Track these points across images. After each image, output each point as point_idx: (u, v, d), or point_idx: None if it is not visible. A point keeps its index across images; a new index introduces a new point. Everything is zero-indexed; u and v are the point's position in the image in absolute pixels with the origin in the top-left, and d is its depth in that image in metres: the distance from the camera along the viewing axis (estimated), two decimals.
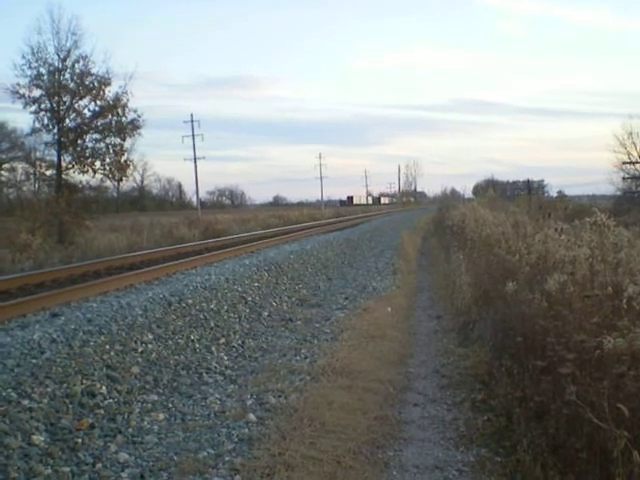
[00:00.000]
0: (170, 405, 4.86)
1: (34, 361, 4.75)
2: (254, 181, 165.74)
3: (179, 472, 3.63)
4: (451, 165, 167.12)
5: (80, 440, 3.95)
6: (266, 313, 8.33)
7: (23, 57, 20.13)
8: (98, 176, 21.32)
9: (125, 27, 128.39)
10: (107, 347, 5.38)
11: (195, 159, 44.13)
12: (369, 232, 23.22)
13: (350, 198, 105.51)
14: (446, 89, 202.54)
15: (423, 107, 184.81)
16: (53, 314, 6.42)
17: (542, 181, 58.84)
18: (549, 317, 4.45)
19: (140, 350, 5.65)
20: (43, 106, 20.24)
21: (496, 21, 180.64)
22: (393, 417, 4.81)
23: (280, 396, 4.94)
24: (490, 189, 29.14)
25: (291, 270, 11.30)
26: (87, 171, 20.75)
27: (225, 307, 7.83)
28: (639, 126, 38.25)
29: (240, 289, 8.81)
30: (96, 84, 20.85)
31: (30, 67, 20.15)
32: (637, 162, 37.93)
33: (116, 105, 21.03)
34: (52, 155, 21.54)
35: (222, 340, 6.75)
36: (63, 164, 20.75)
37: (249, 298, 8.61)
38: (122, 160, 21.37)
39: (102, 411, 4.43)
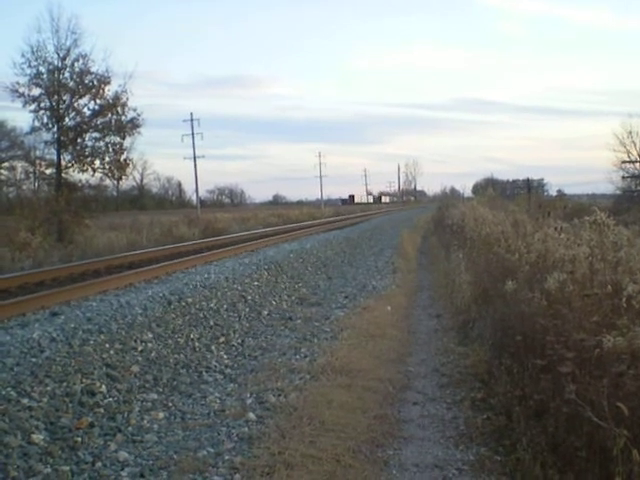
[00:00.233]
0: (170, 404, 4.85)
1: (34, 360, 4.75)
2: (254, 180, 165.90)
3: (179, 471, 3.63)
4: (451, 164, 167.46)
5: (80, 439, 3.95)
6: (266, 312, 8.33)
7: (23, 56, 20.13)
8: (98, 175, 21.33)
9: (125, 26, 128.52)
10: (107, 346, 5.38)
11: (195, 158, 44.25)
12: (369, 231, 23.22)
13: (352, 197, 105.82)
14: (446, 88, 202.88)
15: (423, 106, 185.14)
16: (53, 313, 6.42)
17: (542, 180, 58.84)
18: (549, 316, 4.46)
19: (140, 349, 5.65)
20: (43, 105, 20.22)
21: (496, 21, 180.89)
22: (393, 416, 4.81)
23: (280, 395, 4.94)
24: (490, 188, 29.09)
25: (291, 269, 11.30)
26: (87, 170, 20.74)
27: (225, 306, 7.83)
28: (639, 125, 38.29)
29: (240, 288, 8.81)
30: (96, 83, 20.81)
31: (30, 66, 20.15)
32: (637, 161, 37.94)
33: (116, 104, 21.00)
34: (52, 154, 21.54)
35: (222, 339, 6.75)
36: (63, 163, 20.72)
37: (249, 297, 8.61)
38: (122, 159, 21.36)
39: (102, 410, 4.43)
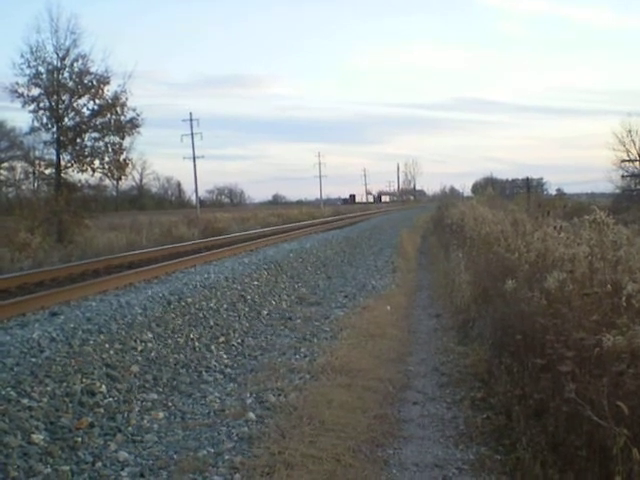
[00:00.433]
0: (170, 404, 4.86)
1: (34, 360, 4.75)
2: (253, 180, 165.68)
3: (179, 471, 3.63)
4: (450, 163, 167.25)
5: (80, 439, 3.95)
6: (265, 312, 8.33)
7: (22, 56, 20.09)
8: (97, 175, 21.31)
9: (124, 26, 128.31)
10: (107, 346, 5.38)
11: (194, 158, 44.28)
12: (368, 230, 23.21)
13: (352, 197, 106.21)
14: (446, 88, 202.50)
15: (423, 106, 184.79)
16: (52, 313, 6.42)
17: (541, 179, 58.71)
18: (548, 315, 4.46)
19: (140, 349, 5.65)
20: (42, 105, 20.20)
21: (496, 21, 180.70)
22: (392, 415, 4.81)
23: (280, 395, 4.94)
24: (489, 187, 29.03)
25: (290, 269, 11.30)
26: (86, 170, 20.72)
27: (224, 306, 7.83)
28: (638, 124, 38.32)
29: (239, 288, 8.80)
30: (95, 83, 20.80)
31: (29, 66, 20.12)
32: (636, 160, 37.99)
33: (115, 104, 20.99)
34: (51, 154, 21.50)
35: (222, 339, 6.75)
36: (62, 163, 20.70)
37: (248, 297, 8.60)
38: (121, 159, 21.34)
39: (102, 410, 4.43)
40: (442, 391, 5.43)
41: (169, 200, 79.51)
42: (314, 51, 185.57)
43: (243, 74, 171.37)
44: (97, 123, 21.01)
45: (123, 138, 21.33)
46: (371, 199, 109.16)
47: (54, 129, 20.40)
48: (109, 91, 21.05)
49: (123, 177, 23.46)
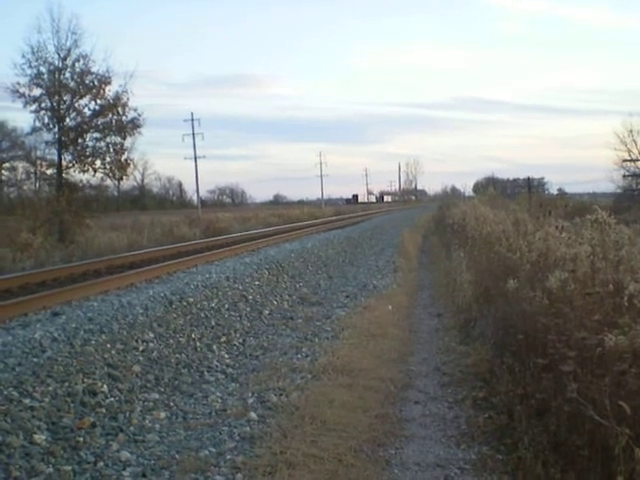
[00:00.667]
0: (171, 404, 4.86)
1: (35, 360, 4.76)
2: (254, 179, 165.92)
3: (181, 470, 3.63)
4: (451, 163, 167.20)
5: (82, 439, 3.96)
6: (267, 311, 8.34)
7: (23, 56, 20.09)
8: (98, 175, 21.29)
9: (125, 26, 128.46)
10: (108, 346, 5.39)
11: (195, 158, 44.26)
12: (369, 230, 23.21)
13: (355, 196, 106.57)
14: (446, 87, 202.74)
15: (423, 105, 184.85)
16: (54, 313, 6.43)
17: (542, 179, 58.50)
18: (550, 315, 4.45)
19: (141, 349, 5.65)
20: (43, 105, 20.20)
21: (496, 20, 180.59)
22: (394, 415, 4.81)
23: (281, 394, 4.95)
24: (490, 187, 28.96)
25: (292, 268, 11.30)
26: (87, 170, 20.71)
27: (226, 305, 7.83)
28: (639, 124, 38.24)
29: (241, 287, 8.81)
30: (96, 83, 20.79)
31: (30, 66, 20.12)
32: (637, 160, 37.89)
33: (116, 104, 20.98)
34: (52, 154, 21.49)
35: (223, 338, 6.76)
36: (63, 163, 20.71)
37: (250, 297, 8.61)
38: (122, 159, 21.33)
39: (103, 410, 4.44)
40: (444, 391, 5.43)
41: (170, 200, 79.58)
42: (314, 51, 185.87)
43: (243, 74, 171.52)
44: (98, 123, 21.01)
45: (124, 138, 21.35)
46: (373, 199, 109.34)
47: (55, 129, 20.41)
48: (110, 91, 21.08)
49: (124, 177, 23.40)
